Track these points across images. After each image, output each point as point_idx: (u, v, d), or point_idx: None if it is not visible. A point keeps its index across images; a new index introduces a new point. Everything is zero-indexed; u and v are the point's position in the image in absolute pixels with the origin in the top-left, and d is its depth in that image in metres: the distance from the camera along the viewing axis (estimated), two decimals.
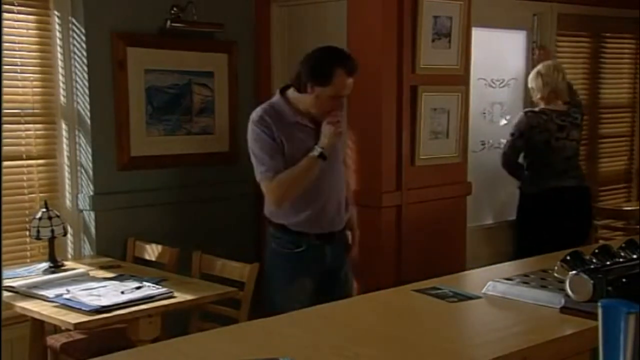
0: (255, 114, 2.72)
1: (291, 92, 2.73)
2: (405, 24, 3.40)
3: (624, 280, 1.49)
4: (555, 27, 4.41)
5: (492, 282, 1.83)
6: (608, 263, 1.64)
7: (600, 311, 0.90)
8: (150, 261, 3.38)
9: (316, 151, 2.64)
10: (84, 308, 2.51)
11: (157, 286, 2.76)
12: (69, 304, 2.56)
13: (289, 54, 3.91)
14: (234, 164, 3.95)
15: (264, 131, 2.66)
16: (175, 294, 2.72)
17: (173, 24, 3.57)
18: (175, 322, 2.84)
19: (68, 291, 2.69)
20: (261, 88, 4.00)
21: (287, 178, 2.65)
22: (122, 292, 2.67)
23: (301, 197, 2.71)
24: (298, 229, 2.75)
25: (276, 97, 2.76)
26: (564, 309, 1.62)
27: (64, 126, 3.46)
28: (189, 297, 2.74)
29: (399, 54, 3.41)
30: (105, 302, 2.55)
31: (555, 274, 1.76)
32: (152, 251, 3.42)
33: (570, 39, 4.56)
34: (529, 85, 3.90)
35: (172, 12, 3.58)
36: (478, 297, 1.78)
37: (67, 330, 2.73)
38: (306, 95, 2.66)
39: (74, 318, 2.47)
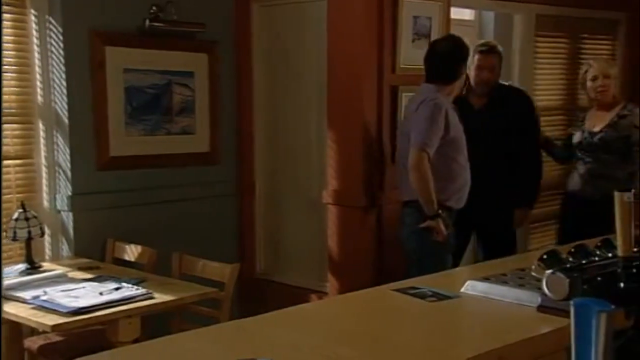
0: (435, 100, 3.08)
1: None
2: (385, 24, 3.41)
3: (599, 278, 1.51)
4: (533, 27, 4.45)
5: (470, 281, 1.83)
6: (584, 262, 1.65)
7: (572, 310, 0.91)
8: (130, 262, 3.36)
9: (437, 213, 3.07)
10: (61, 310, 2.48)
11: (137, 287, 2.75)
12: (46, 305, 2.53)
13: (270, 54, 3.91)
14: (215, 164, 3.94)
15: (438, 118, 3.04)
16: (155, 294, 2.71)
17: (152, 24, 3.55)
18: (156, 324, 2.82)
19: (45, 293, 2.66)
20: (242, 88, 3.99)
21: (427, 178, 3.00)
22: (101, 294, 2.65)
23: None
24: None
25: (436, 93, 3.12)
26: (541, 308, 1.63)
27: (41, 126, 3.42)
28: (168, 298, 2.73)
29: (379, 54, 3.42)
30: (83, 303, 2.53)
31: (533, 273, 1.77)
32: (131, 252, 3.40)
33: (549, 40, 4.61)
34: (616, 73, 3.82)
35: (152, 11, 3.56)
36: (457, 297, 1.79)
37: (45, 332, 2.71)
38: (455, 82, 3.17)
39: (52, 320, 2.45)
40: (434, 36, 3.56)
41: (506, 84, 3.85)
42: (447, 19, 3.64)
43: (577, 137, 3.74)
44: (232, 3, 3.93)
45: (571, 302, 0.93)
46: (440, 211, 3.06)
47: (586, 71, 3.76)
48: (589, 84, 3.71)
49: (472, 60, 3.54)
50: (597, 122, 3.68)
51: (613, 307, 0.88)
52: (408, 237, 3.18)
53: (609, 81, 3.66)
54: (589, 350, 0.87)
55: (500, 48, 3.65)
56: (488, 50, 3.58)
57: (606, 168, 3.62)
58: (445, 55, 3.17)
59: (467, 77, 3.44)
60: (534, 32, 4.46)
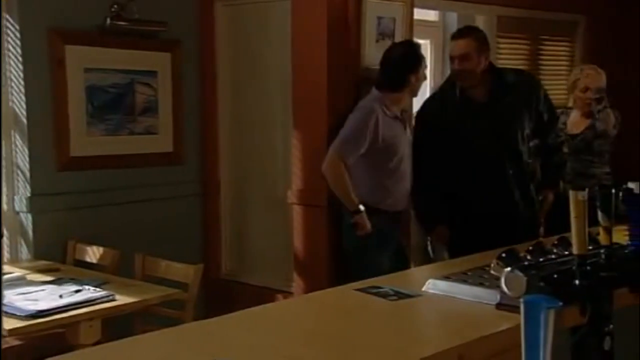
0: (368, 108, 3.12)
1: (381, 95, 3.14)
2: (349, 25, 3.43)
3: (555, 276, 1.54)
4: (495, 28, 4.52)
5: (431, 280, 1.85)
6: (541, 260, 1.69)
7: (522, 307, 0.92)
8: (92, 264, 3.31)
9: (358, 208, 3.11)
10: (18, 313, 2.43)
11: (98, 289, 2.71)
12: (3, 309, 2.47)
13: (234, 54, 3.89)
14: (179, 164, 3.90)
15: (365, 127, 3.06)
16: (117, 296, 2.68)
17: (113, 22, 3.50)
18: (118, 326, 2.78)
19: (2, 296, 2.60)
20: (206, 88, 3.97)
21: (340, 180, 3.09)
22: (61, 296, 2.60)
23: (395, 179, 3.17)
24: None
25: (375, 100, 3.13)
26: (499, 305, 1.65)
27: None
28: (130, 299, 2.70)
29: (344, 54, 3.43)
30: (42, 306, 2.49)
31: (492, 271, 1.80)
32: (93, 253, 3.35)
33: (509, 41, 4.68)
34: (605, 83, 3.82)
35: (113, 9, 3.51)
36: (418, 295, 1.80)
37: (2, 336, 2.65)
38: (403, 91, 3.14)
39: (9, 324, 2.40)
40: (398, 37, 3.59)
41: (505, 68, 3.48)
42: (411, 20, 3.67)
43: None
44: (195, 2, 3.90)
45: (521, 300, 0.95)
46: (360, 206, 3.10)
47: (578, 79, 3.78)
48: (578, 93, 3.75)
49: None
50: (577, 126, 3.76)
51: (561, 303, 0.90)
52: (344, 236, 3.26)
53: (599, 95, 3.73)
54: (538, 345, 0.89)
55: (476, 32, 3.20)
56: (454, 36, 3.19)
57: (586, 167, 3.72)
58: (394, 63, 3.15)
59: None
60: (496, 33, 4.53)
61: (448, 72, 4.79)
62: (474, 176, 3.16)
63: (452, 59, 3.16)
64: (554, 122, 3.39)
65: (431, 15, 4.67)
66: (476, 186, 3.16)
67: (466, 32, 3.19)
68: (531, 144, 3.27)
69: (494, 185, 3.15)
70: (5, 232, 3.27)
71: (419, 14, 4.04)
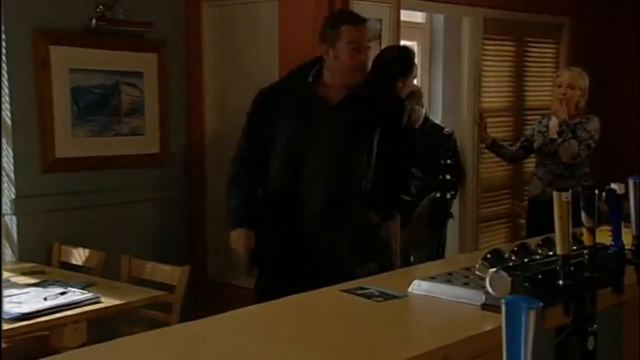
0: None
1: None
2: None
3: (539, 276, 1.55)
4: (481, 31, 4.55)
5: (417, 280, 1.86)
6: (526, 260, 1.70)
7: (503, 308, 0.94)
8: (78, 266, 3.29)
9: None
10: (3, 316, 2.41)
11: (83, 291, 2.69)
12: None
13: (221, 54, 3.88)
14: (165, 166, 3.89)
15: None
16: (102, 299, 2.66)
17: (99, 23, 3.48)
18: (104, 328, 2.76)
19: None
20: (192, 88, 3.96)
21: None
22: (45, 299, 2.58)
23: None
24: None
25: None
26: (484, 306, 1.66)
27: None
28: (116, 301, 2.68)
29: None
30: (26, 309, 2.47)
31: (477, 272, 1.81)
32: (79, 255, 3.33)
33: (496, 43, 4.71)
34: (585, 85, 3.82)
35: (98, 10, 3.50)
36: (404, 296, 1.81)
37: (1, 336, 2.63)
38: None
39: None
40: (385, 38, 3.60)
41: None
42: (398, 22, 3.69)
43: (538, 143, 3.86)
44: (181, 2, 3.89)
45: (502, 300, 0.96)
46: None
47: (557, 75, 3.88)
48: (555, 89, 3.84)
49: None
50: (555, 131, 3.81)
51: (542, 304, 0.91)
52: None
53: (572, 92, 3.75)
54: (519, 346, 0.90)
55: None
56: (359, 21, 2.70)
57: (565, 169, 3.75)
58: (384, 63, 3.20)
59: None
60: (482, 34, 4.56)
61: (435, 73, 4.83)
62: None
63: (359, 49, 2.63)
64: (407, 148, 2.84)
65: (418, 17, 4.69)
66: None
67: (362, 17, 2.70)
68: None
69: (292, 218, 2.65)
70: None
71: (406, 15, 4.06)
